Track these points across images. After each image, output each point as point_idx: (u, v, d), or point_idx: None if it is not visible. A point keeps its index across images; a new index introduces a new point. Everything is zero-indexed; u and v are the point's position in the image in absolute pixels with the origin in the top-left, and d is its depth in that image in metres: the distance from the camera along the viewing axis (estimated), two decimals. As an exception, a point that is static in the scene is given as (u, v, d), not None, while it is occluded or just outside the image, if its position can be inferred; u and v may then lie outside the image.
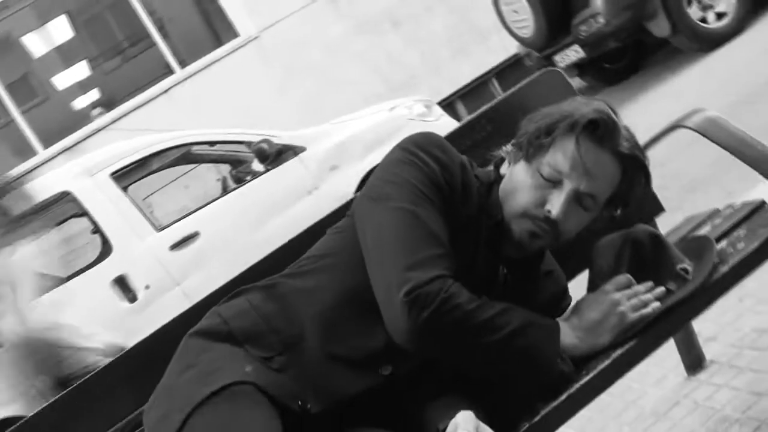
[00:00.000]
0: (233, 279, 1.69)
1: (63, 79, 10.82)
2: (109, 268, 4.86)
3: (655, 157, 1.64)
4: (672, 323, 1.46)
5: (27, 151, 9.15)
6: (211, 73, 9.21)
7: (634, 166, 1.49)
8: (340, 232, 1.56)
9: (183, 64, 9.45)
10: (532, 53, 7.21)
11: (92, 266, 4.93)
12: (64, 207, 5.10)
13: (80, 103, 10.71)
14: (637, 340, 1.41)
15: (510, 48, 8.05)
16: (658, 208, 1.93)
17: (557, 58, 6.94)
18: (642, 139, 1.62)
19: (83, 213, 5.04)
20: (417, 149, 1.48)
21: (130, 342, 1.73)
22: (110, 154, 5.21)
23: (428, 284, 1.33)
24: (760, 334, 2.15)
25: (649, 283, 1.47)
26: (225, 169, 6.68)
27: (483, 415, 1.31)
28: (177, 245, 4.98)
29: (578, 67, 7.19)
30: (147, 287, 4.84)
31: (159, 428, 1.35)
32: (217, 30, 10.30)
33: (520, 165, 1.51)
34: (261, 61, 9.28)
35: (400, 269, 1.35)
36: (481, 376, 1.43)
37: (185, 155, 5.77)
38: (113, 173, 5.08)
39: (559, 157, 1.45)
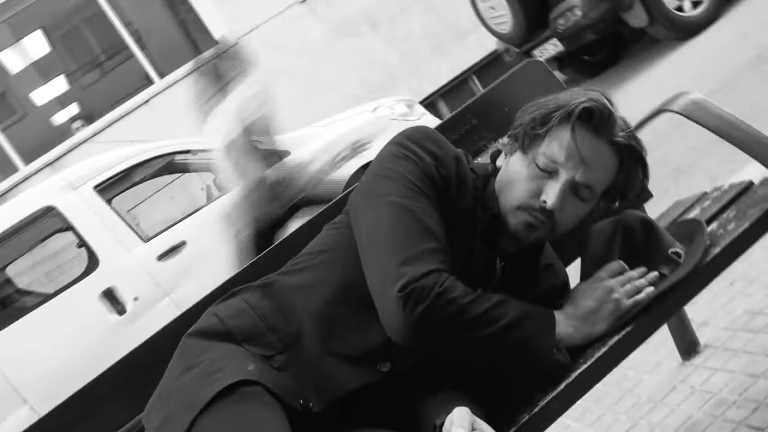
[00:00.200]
0: (228, 279, 1.68)
1: (41, 95, 10.71)
2: (96, 282, 4.81)
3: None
4: (667, 307, 1.46)
5: (8, 168, 9.07)
6: (190, 81, 9.15)
7: (631, 156, 1.48)
8: (336, 228, 1.55)
9: (162, 74, 9.41)
10: (511, 49, 7.22)
11: (79, 280, 4.88)
12: (48, 222, 5.05)
13: (60, 117, 10.61)
14: (633, 325, 1.41)
15: (488, 46, 8.05)
16: (647, 194, 1.92)
17: (536, 52, 6.97)
18: (628, 126, 1.61)
19: (68, 227, 4.99)
20: (411, 143, 1.47)
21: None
22: (93, 167, 5.16)
23: (423, 279, 1.32)
24: (753, 316, 2.16)
25: (642, 269, 1.46)
26: (209, 177, 6.64)
27: (480, 411, 1.30)
28: (164, 255, 4.94)
29: (558, 61, 7.22)
30: (136, 299, 4.80)
31: (164, 430, 1.33)
32: (194, 39, 10.25)
33: (515, 156, 1.50)
34: (240, 68, 9.23)
35: (395, 264, 1.34)
36: (478, 368, 1.42)
37: (168, 165, 5.72)
38: (97, 186, 5.03)
39: (555, 146, 1.44)
